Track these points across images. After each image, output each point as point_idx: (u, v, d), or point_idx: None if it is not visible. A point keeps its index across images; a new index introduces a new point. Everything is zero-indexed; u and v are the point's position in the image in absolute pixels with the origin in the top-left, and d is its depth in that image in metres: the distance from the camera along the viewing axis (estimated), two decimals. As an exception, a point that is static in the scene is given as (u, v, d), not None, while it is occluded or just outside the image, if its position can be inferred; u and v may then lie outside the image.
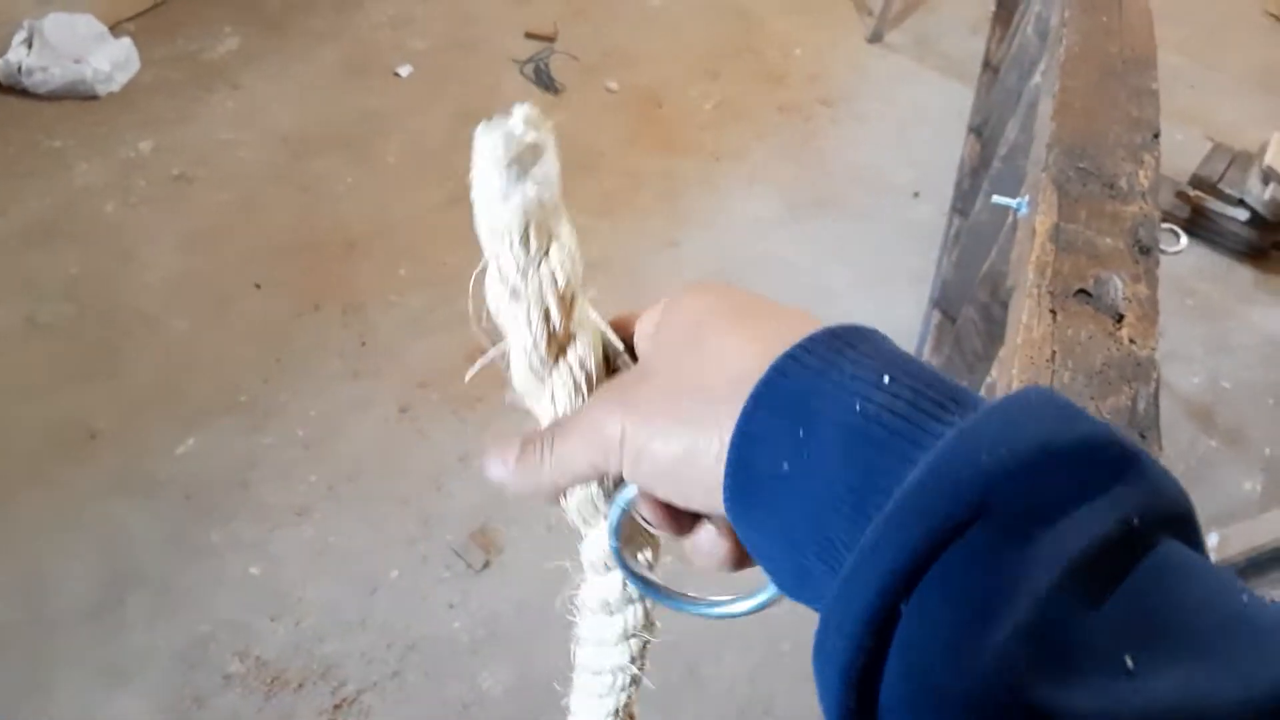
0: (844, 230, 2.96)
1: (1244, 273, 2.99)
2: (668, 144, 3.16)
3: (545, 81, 3.29)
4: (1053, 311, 1.21)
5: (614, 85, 3.33)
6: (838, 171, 3.13)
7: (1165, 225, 2.91)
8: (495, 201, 0.43)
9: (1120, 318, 1.23)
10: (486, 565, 2.10)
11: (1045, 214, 1.35)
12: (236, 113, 3.07)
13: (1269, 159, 2.71)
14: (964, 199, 2.94)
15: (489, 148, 0.41)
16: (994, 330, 1.92)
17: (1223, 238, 2.96)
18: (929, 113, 3.39)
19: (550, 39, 3.47)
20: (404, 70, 3.28)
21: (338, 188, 2.86)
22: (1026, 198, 1.46)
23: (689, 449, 0.36)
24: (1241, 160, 2.89)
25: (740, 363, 0.36)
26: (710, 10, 3.75)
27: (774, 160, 3.14)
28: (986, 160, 2.85)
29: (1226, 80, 3.55)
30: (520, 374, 0.47)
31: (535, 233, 0.43)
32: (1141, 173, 1.45)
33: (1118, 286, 1.26)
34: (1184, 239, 2.96)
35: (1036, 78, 1.93)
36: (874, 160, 3.19)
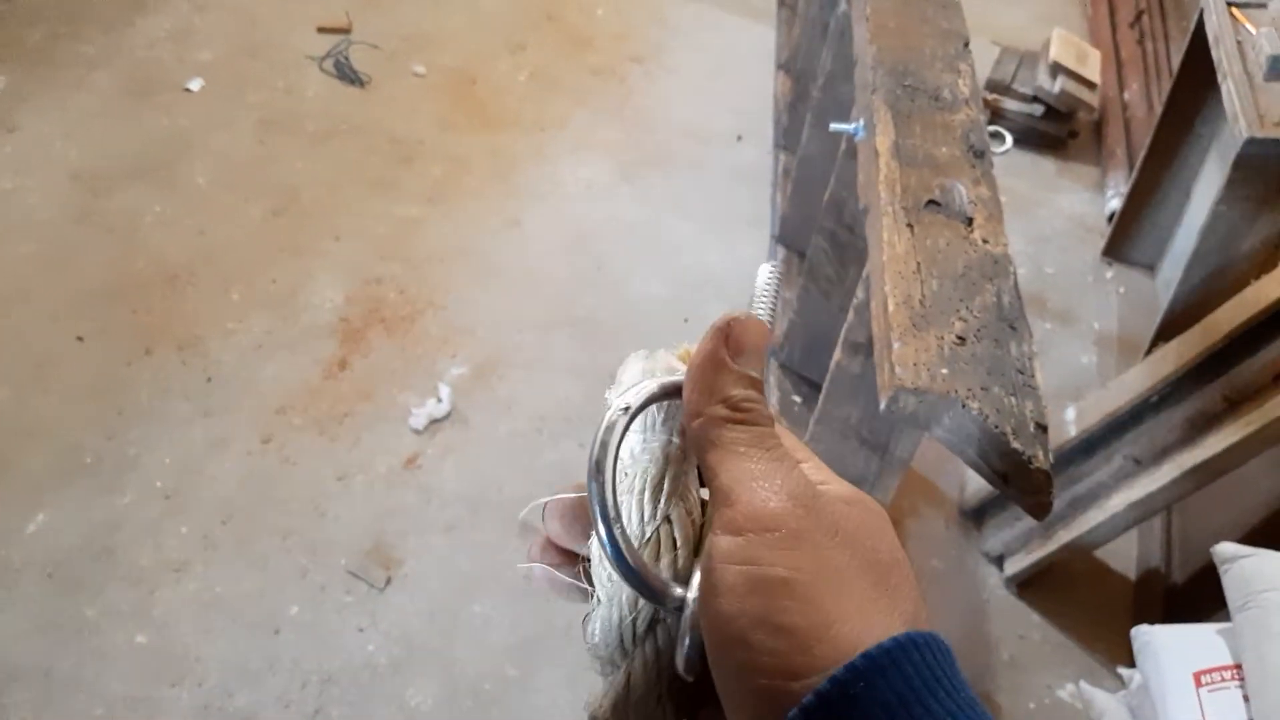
0: (677, 183, 2.99)
1: (1046, 164, 3.19)
2: (487, 122, 3.10)
3: (348, 75, 3.16)
4: (910, 226, 1.26)
5: (421, 69, 3.23)
6: (660, 127, 3.15)
7: (991, 128, 3.06)
8: (630, 447, 0.41)
9: (970, 221, 1.29)
10: (389, 582, 2.03)
11: (883, 134, 1.40)
12: (16, 157, 2.81)
13: (1054, 54, 2.89)
14: (786, 135, 3.02)
15: (630, 394, 0.40)
16: (844, 255, 1.98)
17: (1023, 134, 3.15)
18: (737, 57, 3.44)
19: (345, 30, 3.33)
20: (194, 84, 3.08)
21: (147, 220, 2.67)
22: (861, 121, 1.50)
23: None
24: (1029, 60, 3.08)
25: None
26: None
27: (597, 124, 3.13)
28: (802, 95, 2.92)
29: (1000, -14, 3.76)
30: (605, 634, 0.43)
31: (666, 488, 0.41)
32: (960, 81, 1.52)
33: (962, 193, 1.31)
34: (1009, 139, 3.13)
35: (843, 5, 1.99)
36: (693, 111, 3.22)
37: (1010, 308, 1.19)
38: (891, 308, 1.15)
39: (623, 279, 2.71)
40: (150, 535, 2.08)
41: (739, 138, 3.15)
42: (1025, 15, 3.71)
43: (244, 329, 2.45)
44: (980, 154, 1.37)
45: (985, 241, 1.26)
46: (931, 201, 1.29)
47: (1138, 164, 2.64)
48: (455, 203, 2.83)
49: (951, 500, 2.31)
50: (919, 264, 1.21)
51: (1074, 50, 2.95)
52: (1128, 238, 2.79)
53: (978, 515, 2.23)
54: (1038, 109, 3.04)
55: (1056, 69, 2.92)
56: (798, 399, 2.30)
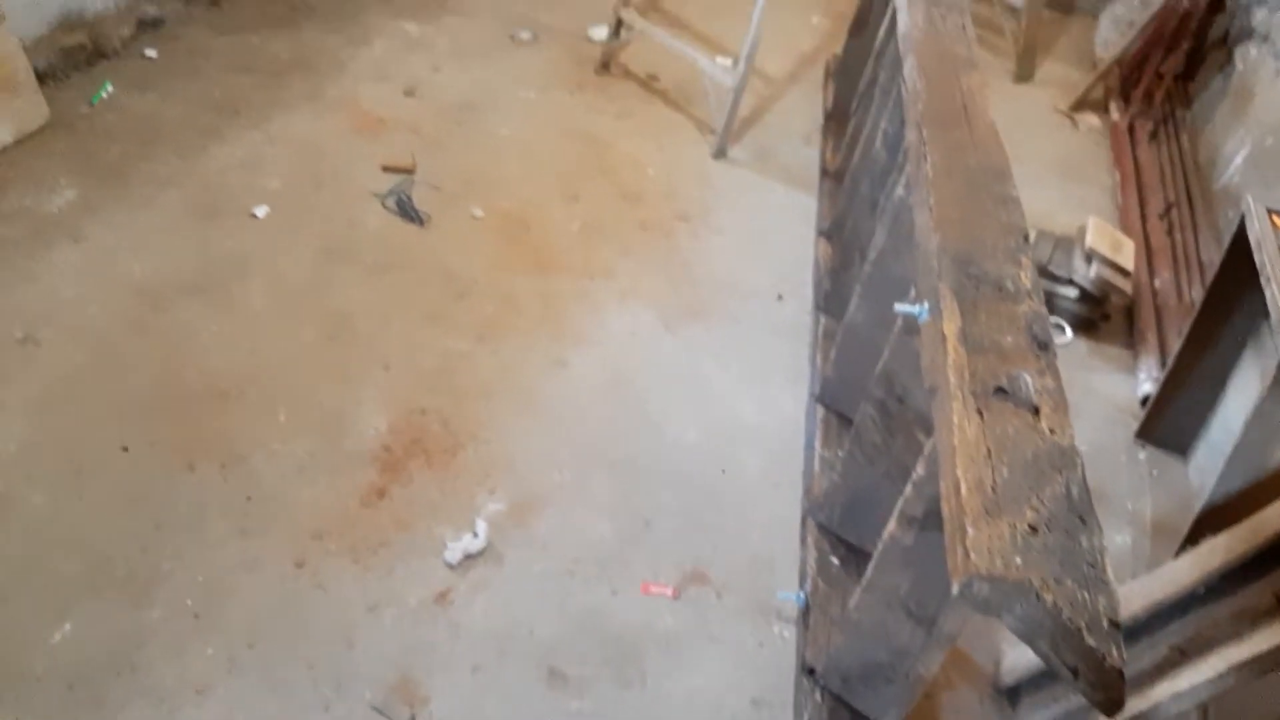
0: (718, 335, 3.06)
1: (1079, 344, 3.27)
2: (540, 265, 3.20)
3: (409, 212, 3.29)
4: (979, 412, 1.29)
5: (479, 212, 3.36)
6: (703, 281, 3.25)
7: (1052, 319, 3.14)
8: None
9: (1037, 410, 1.32)
10: (413, 719, 2.00)
11: (950, 319, 1.45)
12: (82, 267, 2.91)
13: (1090, 241, 3.00)
14: (827, 299, 3.10)
15: None
16: (892, 424, 2.01)
17: (1057, 315, 3.23)
18: (779, 220, 3.58)
19: (409, 171, 3.48)
20: (260, 211, 3.20)
21: (202, 336, 2.74)
22: (925, 305, 1.56)
23: None
24: (1064, 244, 3.19)
25: None
26: (560, 137, 3.86)
27: (643, 274, 3.23)
28: (845, 262, 3.02)
29: (1032, 172, 3.92)
30: None
31: None
32: (1022, 274, 1.58)
33: (1028, 383, 1.35)
34: (1069, 331, 3.21)
35: (899, 190, 2.09)
36: (736, 268, 3.33)
37: (1080, 500, 1.21)
38: (964, 492, 1.18)
39: (661, 424, 2.75)
40: (176, 653, 2.05)
41: (779, 296, 3.24)
42: (1058, 200, 3.87)
43: (287, 450, 2.48)
44: (1044, 345, 1.42)
45: (1052, 432, 1.30)
46: (999, 389, 1.33)
47: (1174, 352, 2.70)
48: (503, 340, 2.90)
49: (986, 674, 2.27)
50: (989, 450, 1.24)
51: (1109, 238, 3.06)
52: (1161, 421, 2.83)
53: (1013, 694, 2.19)
54: (1072, 291, 3.14)
55: (1092, 255, 3.02)
56: (835, 560, 2.29)
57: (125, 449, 2.41)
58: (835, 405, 2.71)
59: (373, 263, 3.10)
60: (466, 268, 3.13)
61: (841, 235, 3.23)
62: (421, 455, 2.54)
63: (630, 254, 3.31)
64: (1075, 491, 1.21)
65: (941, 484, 1.26)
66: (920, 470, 1.53)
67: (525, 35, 4.56)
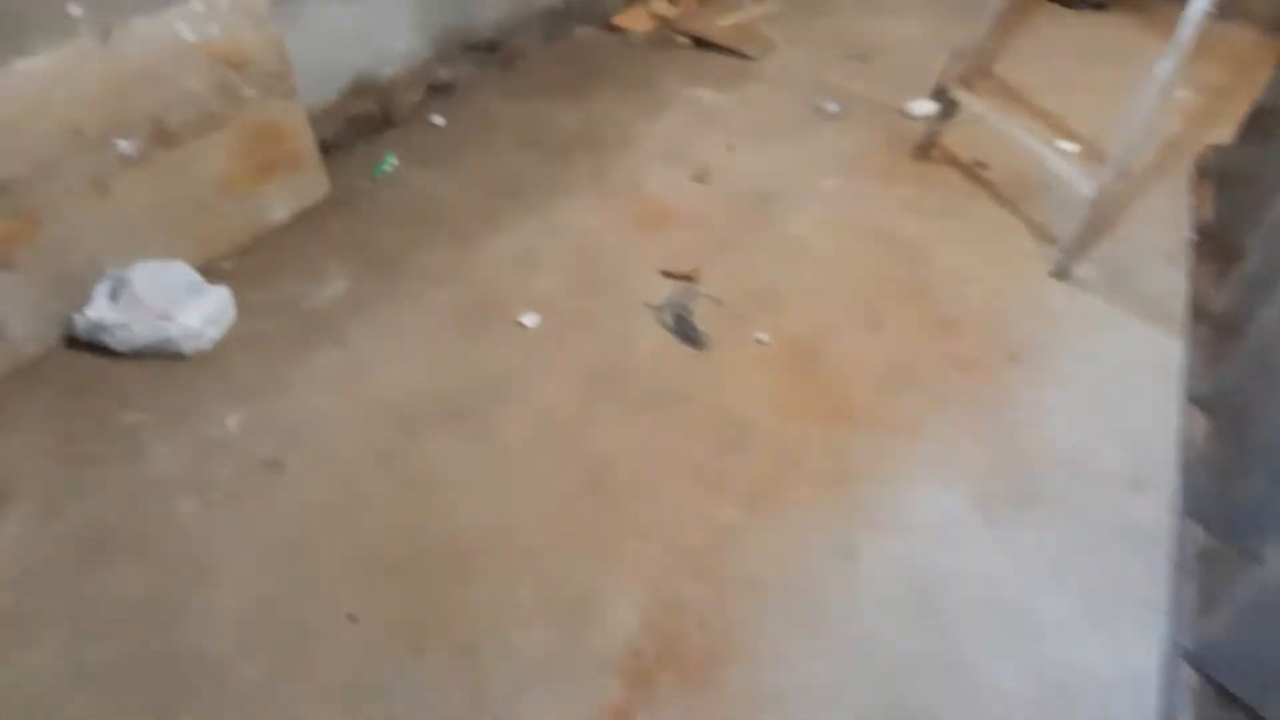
0: (1052, 535, 2.42)
1: None
2: (830, 413, 2.69)
3: (687, 333, 2.88)
4: None
5: (764, 336, 2.90)
6: (1035, 453, 2.61)
7: None
8: None
9: None
10: None
11: None
12: (339, 376, 2.72)
13: None
14: (1199, 501, 2.39)
15: None
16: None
17: None
18: (1135, 371, 2.86)
19: (689, 279, 3.08)
20: (529, 320, 2.91)
21: (450, 475, 2.46)
22: None
23: None
24: None
25: None
26: (864, 239, 3.33)
27: (958, 437, 2.64)
28: (1237, 459, 2.30)
29: None
30: None
31: None
32: None
33: None
34: None
35: None
36: (1077, 437, 2.66)
37: None
38: None
39: (972, 662, 2.16)
40: None
41: (1133, 485, 2.55)
42: None
43: (525, 640, 2.13)
44: None
45: None
46: None
47: None
48: (780, 512, 2.42)
49: None
50: None
51: None
52: None
53: None
54: None
55: None
56: None
57: (353, 618, 2.15)
58: (1217, 676, 2.01)
59: (642, 395, 2.71)
60: (746, 409, 2.68)
61: (1229, 412, 2.49)
62: (674, 667, 2.11)
63: (943, 405, 2.72)
64: None
65: None
66: None
67: (832, 108, 4.05)
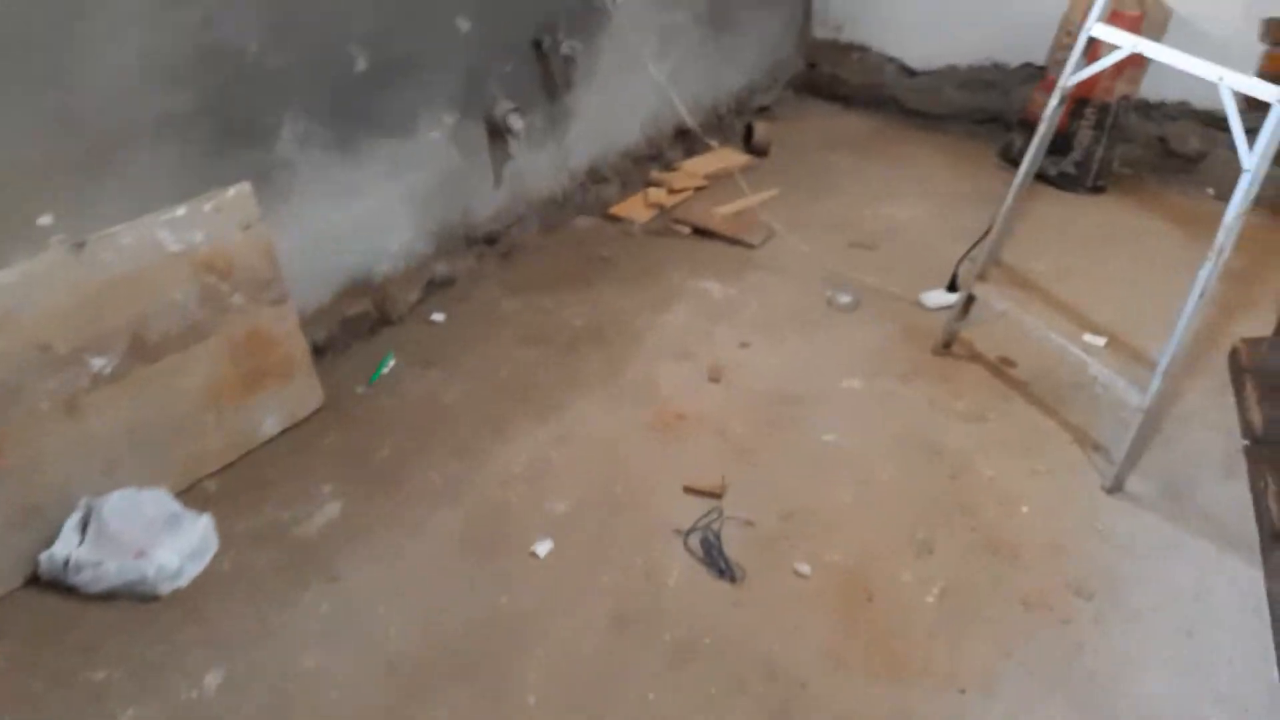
0: (1159, 816, 2.09)
1: None
2: (889, 663, 2.39)
3: (717, 562, 2.60)
4: None
5: (805, 568, 2.62)
6: (1123, 712, 2.31)
7: None
8: None
9: None
10: None
11: None
12: (331, 620, 2.39)
13: None
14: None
15: None
16: None
17: None
18: (1215, 608, 2.59)
19: (716, 496, 2.82)
20: (542, 548, 2.62)
21: (458, 747, 2.11)
22: None
23: None
24: None
25: None
26: (896, 448, 3.10)
27: (1033, 692, 2.33)
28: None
29: None
30: None
31: None
32: None
33: None
34: None
35: None
36: (1165, 690, 2.36)
37: None
38: None
39: None
40: None
41: (1239, 752, 2.24)
42: None
43: None
44: None
45: None
46: None
47: None
48: (846, 798, 2.08)
49: None
50: None
51: None
52: None
53: None
54: None
55: None
56: None
57: None
58: None
59: (673, 641, 2.40)
60: (791, 659, 2.37)
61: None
62: None
63: (1012, 653, 2.43)
64: None
65: None
66: None
67: (844, 299, 3.90)
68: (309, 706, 2.18)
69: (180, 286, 2.61)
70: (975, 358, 3.60)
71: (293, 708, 2.18)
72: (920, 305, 3.91)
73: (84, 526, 2.38)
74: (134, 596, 2.38)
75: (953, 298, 3.79)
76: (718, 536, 2.68)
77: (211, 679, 2.23)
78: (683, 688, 2.29)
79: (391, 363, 3.28)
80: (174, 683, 2.22)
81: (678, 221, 4.45)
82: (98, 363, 2.46)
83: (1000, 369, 3.54)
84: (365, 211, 3.30)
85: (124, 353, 2.51)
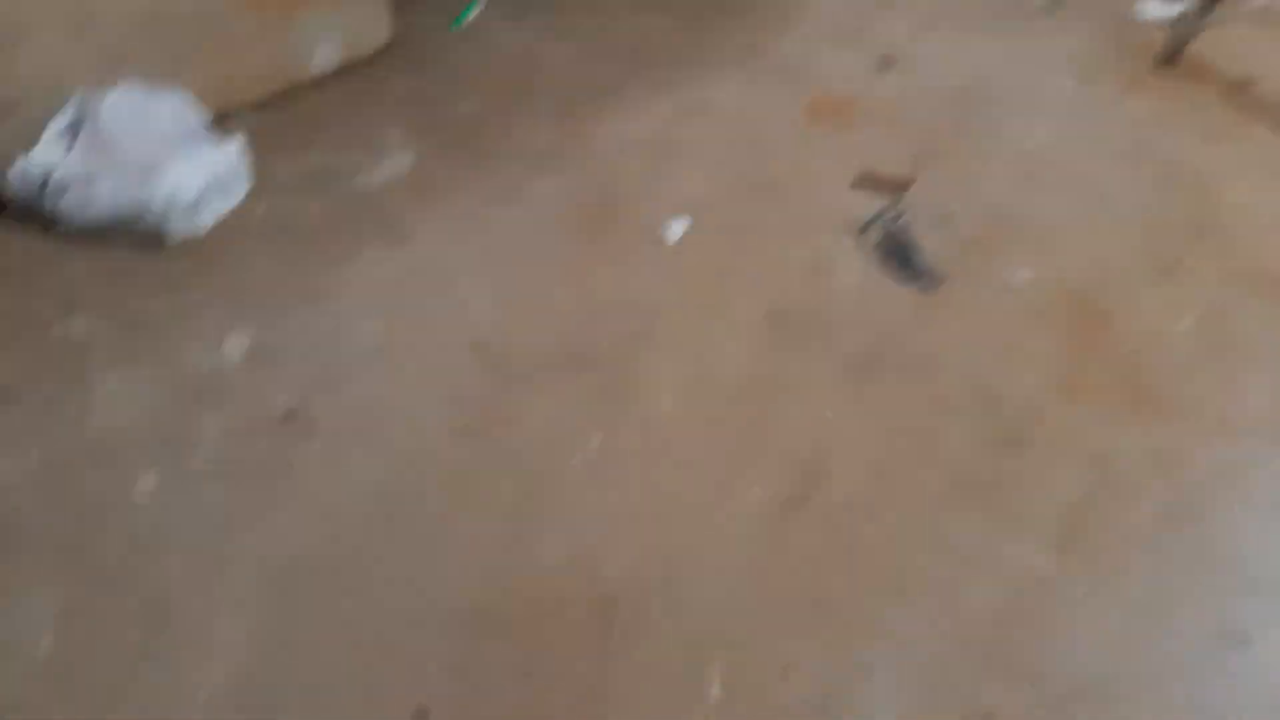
0: None
1: None
2: (1137, 395, 1.76)
3: (907, 263, 1.95)
4: None
5: (1023, 275, 1.96)
6: None
7: None
8: None
9: None
10: None
11: None
12: (396, 287, 1.80)
13: None
14: None
15: None
16: None
17: None
18: None
19: (901, 189, 2.14)
20: (674, 229, 1.98)
21: (572, 465, 1.53)
22: None
23: None
24: None
25: None
26: (1122, 162, 2.38)
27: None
28: None
29: None
30: None
31: None
32: None
33: None
34: None
35: None
36: None
37: None
38: None
39: None
40: None
41: None
42: None
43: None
44: None
45: None
46: None
47: None
48: (1108, 561, 1.49)
49: None
50: None
51: None
52: None
53: None
54: None
55: None
56: None
57: (422, 717, 1.23)
58: None
59: (851, 353, 1.78)
60: (1013, 385, 1.75)
61: None
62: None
63: (1299, 395, 1.80)
64: None
65: None
66: None
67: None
68: (365, 386, 1.61)
69: None
70: (1205, 75, 2.81)
71: (343, 385, 1.61)
72: (1133, 20, 3.09)
73: (74, 132, 1.76)
74: (133, 235, 1.79)
75: (1177, 4, 2.98)
76: (905, 235, 2.02)
77: (233, 345, 1.66)
78: (871, 405, 1.68)
79: (479, 8, 2.56)
80: (179, 346, 1.65)
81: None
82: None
83: (1240, 88, 2.75)
84: None
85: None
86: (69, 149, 1.74)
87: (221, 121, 2.04)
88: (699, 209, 2.05)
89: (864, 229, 2.03)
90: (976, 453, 1.63)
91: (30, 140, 1.76)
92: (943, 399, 1.71)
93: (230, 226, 1.88)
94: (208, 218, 1.83)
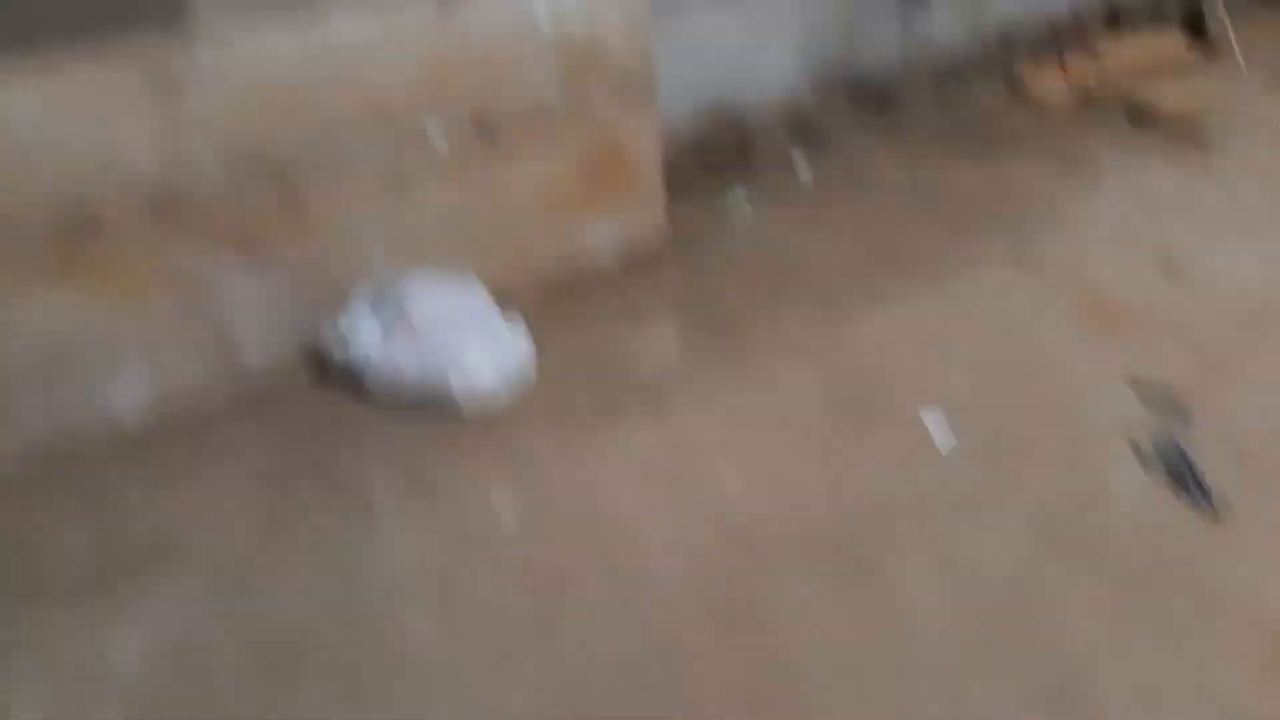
0: None
1: None
2: None
3: (1191, 482, 1.82)
4: None
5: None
6: None
7: None
8: None
9: None
10: None
11: None
12: (655, 462, 1.89)
13: None
14: None
15: None
16: None
17: None
18: None
19: (1183, 403, 2.02)
20: (933, 423, 1.97)
21: (823, 653, 1.52)
22: None
23: None
24: None
25: None
26: None
27: None
28: None
29: None
30: None
31: None
32: None
33: None
34: None
35: None
36: None
37: None
38: None
39: None
40: None
41: None
42: None
43: None
44: None
45: None
46: None
47: None
48: None
49: None
50: None
51: None
52: None
53: None
54: None
55: None
56: None
57: None
58: None
59: (1127, 566, 1.67)
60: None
61: None
62: None
63: None
64: None
65: None
66: None
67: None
68: (623, 551, 1.69)
69: (540, 65, 2.20)
70: None
71: (603, 548, 1.69)
72: None
73: (383, 313, 2.02)
74: (433, 407, 2.00)
75: None
76: (1187, 452, 1.89)
77: (505, 505, 1.79)
78: (1142, 620, 1.56)
79: (747, 207, 2.74)
80: (458, 502, 1.80)
81: (1106, 100, 3.56)
82: (433, 132, 2.10)
83: None
84: (745, 29, 2.78)
85: (463, 128, 2.14)
86: (374, 327, 2.00)
87: (508, 305, 2.27)
88: (959, 408, 2.02)
89: (1139, 442, 1.92)
90: (1261, 692, 1.45)
91: (349, 320, 2.05)
92: (1222, 630, 1.56)
93: (514, 402, 2.06)
94: (497, 396, 2.02)
